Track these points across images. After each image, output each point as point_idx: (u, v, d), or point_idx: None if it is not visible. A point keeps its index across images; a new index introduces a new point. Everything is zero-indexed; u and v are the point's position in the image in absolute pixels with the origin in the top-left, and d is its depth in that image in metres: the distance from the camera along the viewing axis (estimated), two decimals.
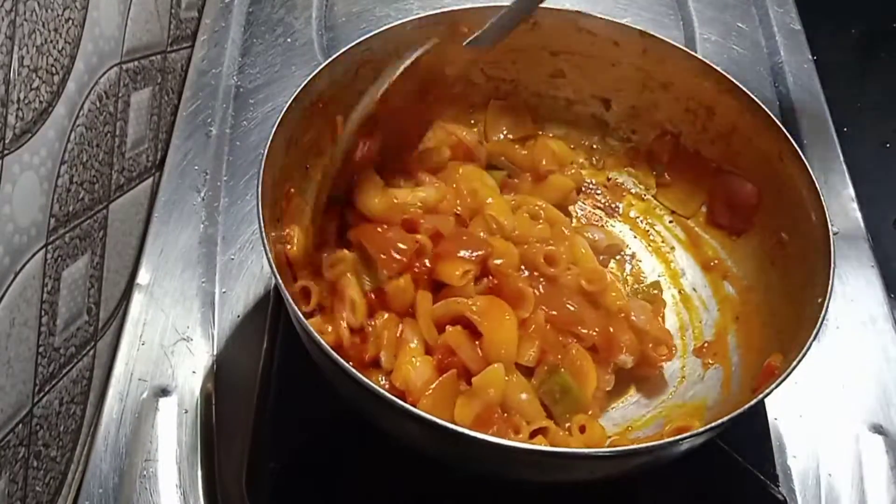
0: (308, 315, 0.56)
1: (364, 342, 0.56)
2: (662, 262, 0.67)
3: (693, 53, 0.65)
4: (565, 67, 0.69)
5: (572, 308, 0.58)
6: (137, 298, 0.65)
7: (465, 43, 0.60)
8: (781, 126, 0.60)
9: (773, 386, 0.48)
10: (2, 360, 0.52)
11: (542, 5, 0.64)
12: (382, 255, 0.56)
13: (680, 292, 0.65)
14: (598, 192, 0.71)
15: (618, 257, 0.67)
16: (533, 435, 0.54)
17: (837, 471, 0.60)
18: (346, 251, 0.58)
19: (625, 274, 0.67)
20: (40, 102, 0.54)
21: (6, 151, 0.50)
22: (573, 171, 0.70)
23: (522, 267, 0.59)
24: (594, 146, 0.72)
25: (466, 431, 0.45)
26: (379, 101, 0.57)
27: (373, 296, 0.56)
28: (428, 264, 0.56)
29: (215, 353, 0.63)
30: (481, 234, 0.60)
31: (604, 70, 0.68)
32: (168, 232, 0.68)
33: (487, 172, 0.66)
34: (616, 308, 0.60)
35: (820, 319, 0.50)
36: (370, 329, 0.56)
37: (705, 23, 0.88)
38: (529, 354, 0.56)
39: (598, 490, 0.55)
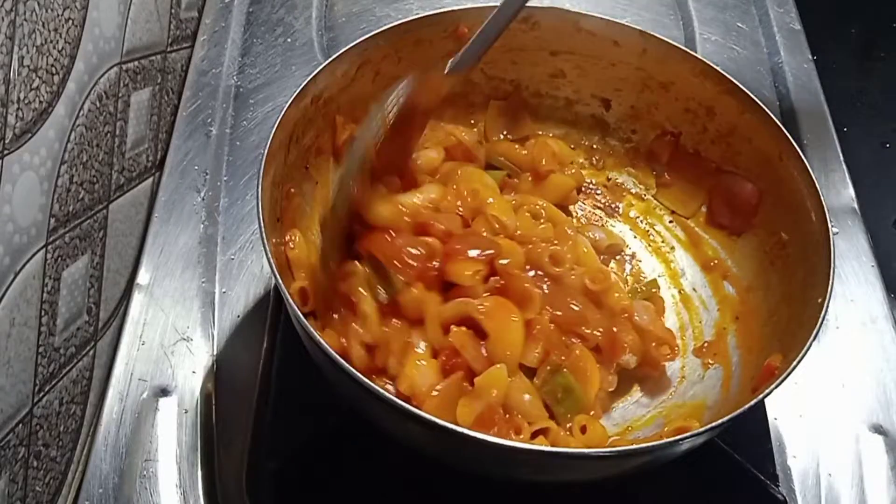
0: (308, 315, 0.56)
1: (372, 353, 0.55)
2: (662, 262, 0.67)
3: (693, 53, 0.65)
4: (565, 67, 0.69)
5: (576, 308, 0.58)
6: (137, 298, 0.65)
7: (446, 71, 0.59)
8: (781, 126, 0.60)
9: (773, 386, 0.48)
10: (2, 360, 0.52)
11: (543, 5, 0.65)
12: (396, 264, 0.55)
13: (680, 292, 0.65)
14: (598, 192, 0.71)
15: (618, 257, 0.67)
16: (534, 435, 0.54)
17: (837, 471, 0.60)
18: (356, 263, 0.57)
19: (625, 274, 0.67)
20: (40, 102, 0.54)
21: (6, 151, 0.50)
22: (573, 170, 0.70)
23: (527, 267, 0.59)
24: (594, 146, 0.72)
25: (467, 432, 0.45)
26: (376, 151, 0.58)
27: (386, 306, 0.56)
28: (436, 265, 0.56)
29: (215, 353, 0.63)
30: (484, 234, 0.60)
31: (604, 70, 0.68)
32: (168, 232, 0.68)
33: (487, 172, 0.66)
34: (619, 308, 0.60)
35: (820, 319, 0.50)
36: (381, 339, 0.56)
37: (705, 23, 0.88)
38: (534, 355, 0.56)
39: (599, 490, 0.55)
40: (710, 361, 0.60)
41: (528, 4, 0.64)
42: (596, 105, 0.71)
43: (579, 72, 0.69)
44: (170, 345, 0.63)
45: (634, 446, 0.52)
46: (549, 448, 0.50)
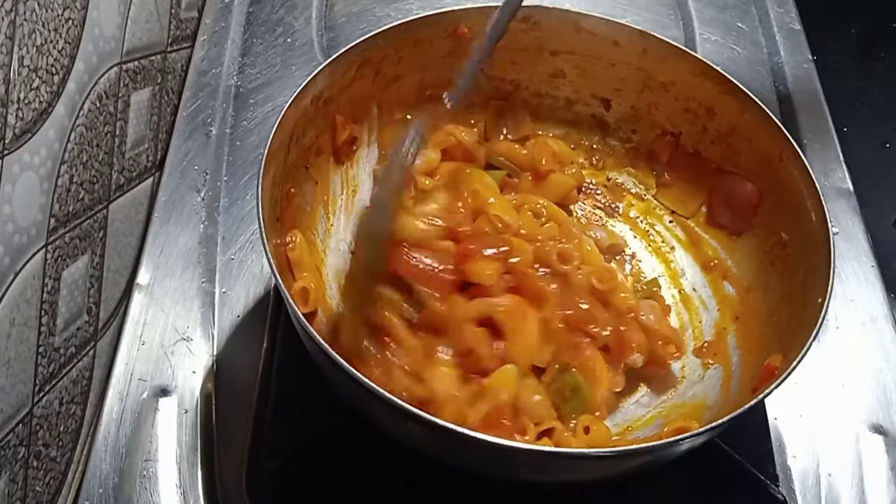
0: (308, 315, 0.56)
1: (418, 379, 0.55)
2: (662, 262, 0.67)
3: (693, 53, 0.65)
4: (565, 67, 0.69)
5: (585, 307, 0.58)
6: (137, 298, 0.65)
7: (449, 106, 0.59)
8: (781, 126, 0.60)
9: (773, 386, 0.48)
10: (2, 360, 0.52)
11: (543, 5, 0.65)
12: (423, 279, 0.55)
13: (680, 292, 0.65)
14: (598, 192, 0.71)
15: (618, 257, 0.67)
16: (539, 437, 0.54)
17: (837, 471, 0.60)
18: (378, 287, 0.57)
19: (625, 274, 0.67)
20: (40, 102, 0.54)
21: (6, 151, 0.50)
22: (573, 170, 0.70)
23: (536, 265, 0.59)
24: (594, 146, 0.72)
25: (466, 431, 0.45)
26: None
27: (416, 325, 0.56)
28: (455, 268, 0.56)
29: (215, 353, 0.63)
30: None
31: (604, 70, 0.68)
32: (168, 232, 0.68)
33: (487, 172, 0.67)
34: (626, 308, 0.60)
35: (820, 319, 0.50)
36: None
37: (705, 23, 0.88)
38: (545, 354, 0.56)
39: (599, 490, 0.55)
40: (710, 361, 0.60)
41: (528, 4, 0.64)
42: (596, 105, 0.71)
43: (579, 72, 0.69)
44: (170, 345, 0.63)
45: (634, 446, 0.52)
46: (549, 448, 0.50)
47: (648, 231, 0.69)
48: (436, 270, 0.56)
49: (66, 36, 0.57)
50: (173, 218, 0.69)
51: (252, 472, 0.57)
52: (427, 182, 0.63)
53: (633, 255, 0.68)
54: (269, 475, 0.56)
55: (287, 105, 0.56)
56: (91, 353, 0.65)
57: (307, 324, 0.48)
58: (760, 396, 0.48)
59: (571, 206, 0.69)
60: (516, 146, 0.69)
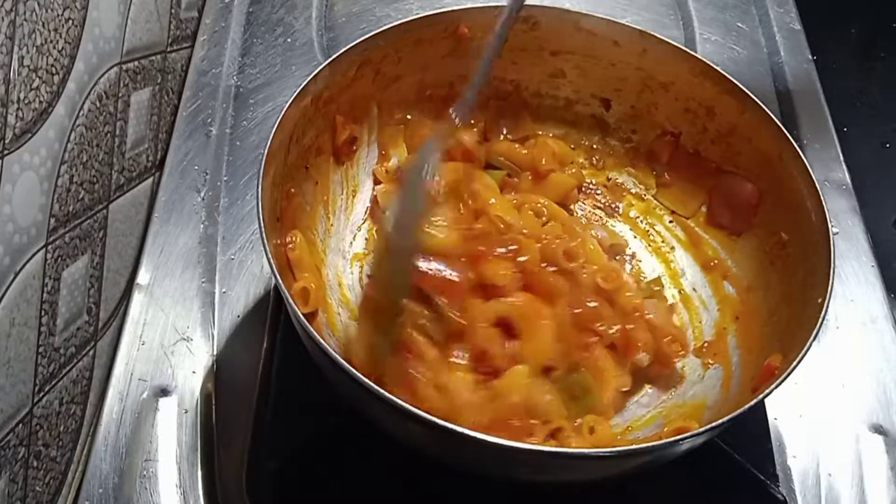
0: (308, 315, 0.56)
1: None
2: (662, 262, 0.67)
3: (693, 53, 0.65)
4: (565, 67, 0.69)
5: (593, 305, 0.58)
6: (137, 298, 0.65)
7: (459, 123, 0.59)
8: (781, 126, 0.60)
9: (773, 386, 0.48)
10: (2, 360, 0.52)
11: (542, 5, 0.65)
12: (443, 288, 0.55)
13: (680, 292, 0.65)
14: (598, 192, 0.71)
15: (618, 257, 0.67)
16: (546, 437, 0.53)
17: (837, 471, 0.60)
18: (403, 305, 0.56)
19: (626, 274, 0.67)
20: (40, 102, 0.54)
21: (6, 151, 0.50)
22: (573, 170, 0.70)
23: (543, 263, 0.58)
24: (594, 146, 0.72)
25: (466, 431, 0.45)
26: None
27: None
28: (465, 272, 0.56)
29: (215, 353, 0.63)
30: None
31: (604, 70, 0.68)
32: (168, 232, 0.68)
33: (487, 172, 0.67)
34: (631, 306, 0.59)
35: (820, 319, 0.50)
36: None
37: (705, 23, 0.88)
38: (558, 354, 0.56)
39: (599, 490, 0.55)
40: (710, 361, 0.60)
41: (528, 4, 0.64)
42: (596, 105, 0.71)
43: (579, 72, 0.69)
44: (170, 345, 0.63)
45: (634, 446, 0.52)
46: (549, 448, 0.50)
47: (648, 231, 0.69)
48: (454, 278, 0.55)
49: (66, 36, 0.57)
50: (173, 218, 0.69)
51: (252, 472, 0.57)
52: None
53: (633, 255, 0.68)
54: (269, 475, 0.56)
55: (287, 105, 0.56)
56: (91, 353, 0.65)
57: (307, 324, 0.48)
58: (760, 396, 0.48)
59: (572, 206, 0.69)
60: (516, 146, 0.69)
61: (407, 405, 0.46)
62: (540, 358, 0.55)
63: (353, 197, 0.67)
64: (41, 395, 0.57)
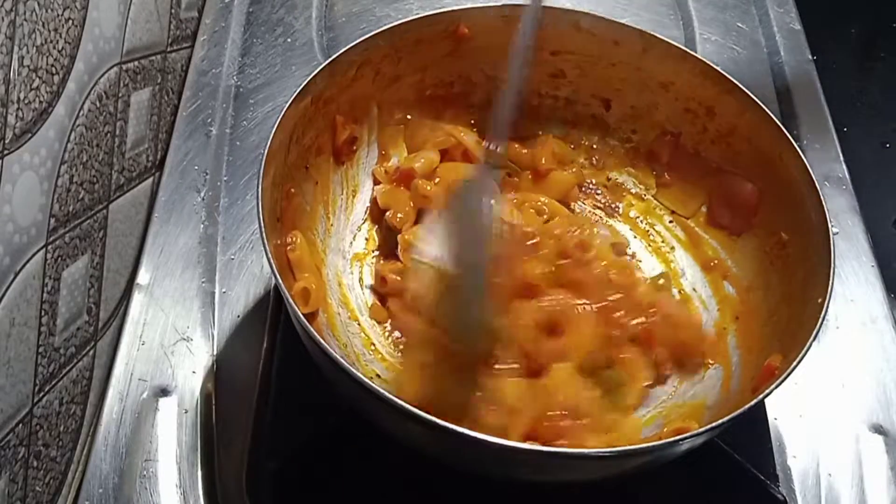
0: (308, 316, 0.56)
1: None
2: (662, 261, 0.67)
3: (693, 53, 0.65)
4: (565, 67, 0.69)
5: (615, 299, 0.57)
6: (137, 298, 0.65)
7: (496, 149, 0.56)
8: (781, 126, 0.60)
9: (773, 386, 0.48)
10: (2, 360, 0.52)
11: (543, 5, 0.64)
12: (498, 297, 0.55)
13: (680, 292, 0.65)
14: (598, 192, 0.71)
15: (620, 256, 0.67)
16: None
17: (837, 471, 0.60)
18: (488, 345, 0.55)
19: None
20: (40, 102, 0.54)
21: (6, 151, 0.50)
22: (574, 170, 0.70)
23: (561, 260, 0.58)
24: (594, 146, 0.72)
25: (467, 432, 0.45)
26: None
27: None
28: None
29: (215, 353, 0.63)
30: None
31: (604, 70, 0.68)
32: (168, 232, 0.68)
33: None
34: (647, 301, 0.59)
35: (820, 319, 0.50)
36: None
37: (705, 23, 0.88)
38: (595, 349, 0.56)
39: (599, 490, 0.55)
40: (710, 361, 0.60)
41: (527, 3, 0.64)
42: (596, 105, 0.71)
43: (579, 72, 0.69)
44: (170, 345, 0.63)
45: (634, 446, 0.52)
46: (549, 448, 0.50)
47: (648, 231, 0.69)
48: (504, 285, 0.55)
49: (66, 36, 0.57)
50: (173, 218, 0.69)
51: (252, 472, 0.57)
52: (428, 188, 0.63)
53: (633, 255, 0.68)
54: (269, 475, 0.56)
55: (287, 105, 0.56)
56: (91, 353, 0.65)
57: (307, 324, 0.48)
58: (760, 396, 0.48)
59: (572, 205, 0.69)
60: (516, 145, 0.69)
61: (407, 405, 0.45)
62: (582, 354, 0.55)
63: (353, 197, 0.67)
64: (41, 395, 0.57)
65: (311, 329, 0.48)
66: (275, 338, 0.63)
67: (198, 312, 0.64)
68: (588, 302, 0.57)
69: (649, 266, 0.67)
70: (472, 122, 0.70)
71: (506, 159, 0.59)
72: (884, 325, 0.67)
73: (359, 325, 0.61)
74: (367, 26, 0.84)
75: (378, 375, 0.59)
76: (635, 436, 0.55)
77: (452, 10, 0.65)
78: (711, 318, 0.63)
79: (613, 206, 0.70)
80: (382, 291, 0.62)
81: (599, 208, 0.70)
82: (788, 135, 0.59)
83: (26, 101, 0.52)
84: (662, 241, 0.68)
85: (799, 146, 0.59)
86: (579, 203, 0.70)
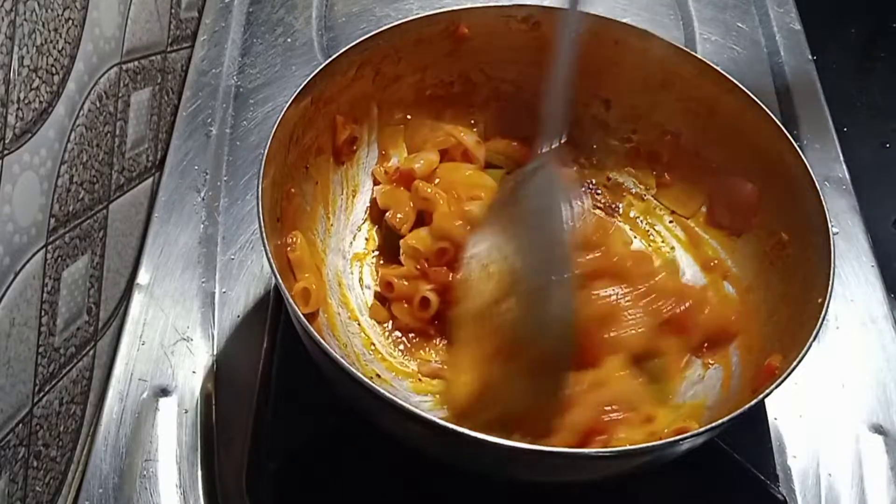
0: (309, 316, 0.56)
1: None
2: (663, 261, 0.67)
3: (693, 53, 0.65)
4: None
5: (646, 286, 0.57)
6: (137, 298, 0.65)
7: (549, 147, 0.54)
8: (781, 126, 0.60)
9: (773, 386, 0.48)
10: (2, 360, 0.52)
11: (542, 5, 0.65)
12: None
13: None
14: (598, 192, 0.71)
15: None
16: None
17: (837, 471, 0.60)
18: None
19: None
20: (40, 102, 0.54)
21: (6, 151, 0.50)
22: (574, 169, 0.70)
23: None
24: (594, 146, 0.72)
25: (467, 431, 0.45)
26: None
27: None
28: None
29: (215, 353, 0.63)
30: None
31: (604, 70, 0.68)
32: (168, 232, 0.68)
33: (486, 171, 0.66)
34: (673, 287, 0.59)
35: (820, 319, 0.50)
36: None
37: (705, 23, 0.88)
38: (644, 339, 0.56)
39: (599, 490, 0.55)
40: (710, 361, 0.60)
41: (527, 4, 0.64)
42: (596, 105, 0.71)
43: (579, 72, 0.69)
44: (170, 345, 0.63)
45: (634, 446, 0.52)
46: (549, 448, 0.50)
47: (648, 231, 0.69)
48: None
49: (66, 36, 0.57)
50: (173, 218, 0.69)
51: (252, 472, 0.57)
52: (429, 190, 0.63)
53: None
54: (269, 475, 0.56)
55: (287, 105, 0.56)
56: (91, 353, 0.65)
57: (307, 324, 0.48)
58: (760, 396, 0.48)
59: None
60: (514, 144, 0.69)
61: (407, 405, 0.46)
62: (633, 345, 0.55)
63: (353, 197, 0.67)
64: (41, 395, 0.57)
65: (312, 329, 0.48)
66: (275, 338, 0.63)
67: (198, 312, 0.64)
68: (631, 291, 0.56)
69: None
70: (472, 122, 0.70)
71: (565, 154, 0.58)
72: (884, 325, 0.67)
73: (359, 325, 0.61)
74: (367, 26, 0.84)
75: (378, 375, 0.59)
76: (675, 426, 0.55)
77: (452, 10, 0.65)
78: None
79: (613, 206, 0.70)
80: (390, 297, 0.62)
81: (599, 208, 0.70)
82: (788, 135, 0.59)
83: (26, 101, 0.52)
84: (662, 241, 0.68)
85: (799, 146, 0.59)
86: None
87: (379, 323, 0.62)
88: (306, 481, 0.57)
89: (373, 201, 0.67)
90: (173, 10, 0.79)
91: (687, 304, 0.58)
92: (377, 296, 0.63)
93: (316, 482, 0.56)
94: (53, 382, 0.59)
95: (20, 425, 0.54)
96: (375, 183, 0.67)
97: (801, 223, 0.58)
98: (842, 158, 0.78)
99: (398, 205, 0.64)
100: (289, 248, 0.58)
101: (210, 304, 0.65)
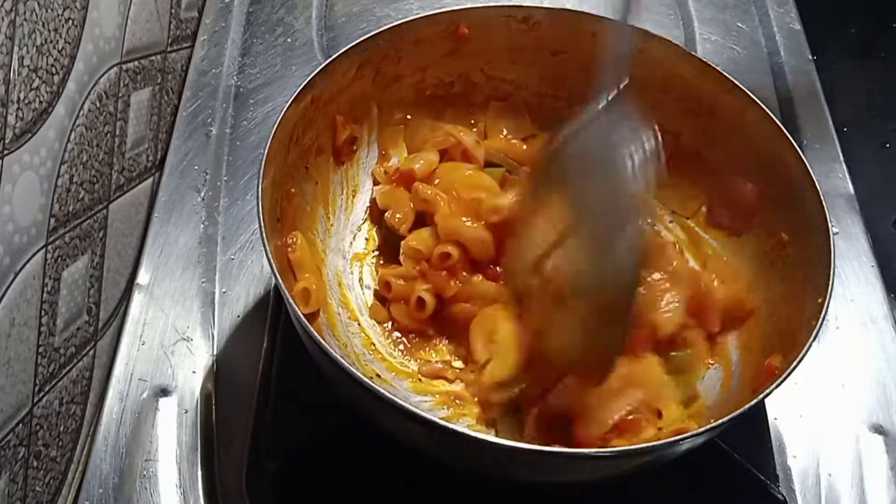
0: (309, 316, 0.56)
1: None
2: None
3: (693, 53, 0.65)
4: (565, 67, 0.69)
5: (667, 274, 0.57)
6: (137, 298, 0.65)
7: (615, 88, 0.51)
8: (781, 126, 0.60)
9: (773, 386, 0.48)
10: (2, 360, 0.52)
11: (542, 5, 0.64)
12: None
13: None
14: None
15: None
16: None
17: (837, 471, 0.60)
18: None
19: None
20: (40, 102, 0.54)
21: (6, 151, 0.50)
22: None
23: None
24: None
25: (466, 431, 0.45)
26: None
27: None
28: None
29: (215, 353, 0.63)
30: None
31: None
32: (168, 232, 0.68)
33: (486, 170, 0.66)
34: (686, 272, 0.59)
35: (820, 319, 0.50)
36: None
37: (705, 23, 0.88)
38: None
39: (599, 490, 0.55)
40: (711, 361, 0.60)
41: (527, 4, 0.64)
42: (596, 105, 0.70)
43: (579, 72, 0.69)
44: (170, 345, 0.63)
45: (634, 446, 0.52)
46: (548, 448, 0.50)
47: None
48: None
49: (66, 36, 0.57)
50: (173, 218, 0.69)
51: (252, 472, 0.57)
52: (429, 191, 0.63)
53: None
54: (269, 475, 0.56)
55: (287, 105, 0.56)
56: (91, 353, 0.65)
57: (308, 324, 0.48)
58: (760, 396, 0.48)
59: None
60: (514, 142, 0.69)
61: (407, 405, 0.46)
62: (668, 329, 0.55)
63: (353, 197, 0.67)
64: (41, 395, 0.57)
65: (312, 329, 0.48)
66: (275, 338, 0.63)
67: (198, 312, 0.64)
68: (659, 276, 0.56)
69: None
70: (472, 122, 0.70)
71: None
72: (884, 325, 0.67)
73: (359, 325, 0.61)
74: (367, 26, 0.84)
75: (378, 375, 0.59)
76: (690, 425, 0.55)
77: (452, 10, 0.65)
78: None
79: None
80: (388, 296, 0.62)
81: None
82: (788, 135, 0.59)
83: (26, 101, 0.52)
84: None
85: (799, 146, 0.59)
86: None
87: (379, 323, 0.62)
88: (306, 481, 0.57)
89: (373, 201, 0.67)
90: (173, 10, 0.79)
91: (701, 290, 0.58)
92: (377, 296, 0.63)
93: (316, 482, 0.56)
94: (53, 382, 0.59)
95: (20, 425, 0.54)
96: (375, 183, 0.67)
97: (801, 223, 0.58)
98: (842, 158, 0.78)
99: (397, 205, 0.64)
100: (289, 249, 0.58)
101: (210, 304, 0.65)
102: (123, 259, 0.70)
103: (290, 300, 0.50)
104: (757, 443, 0.59)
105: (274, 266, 0.50)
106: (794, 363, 0.49)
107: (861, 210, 0.74)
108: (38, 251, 0.55)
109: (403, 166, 0.66)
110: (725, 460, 0.56)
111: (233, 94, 0.78)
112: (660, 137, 0.49)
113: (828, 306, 0.51)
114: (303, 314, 0.50)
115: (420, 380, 0.60)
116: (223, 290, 0.66)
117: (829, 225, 0.55)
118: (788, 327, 0.55)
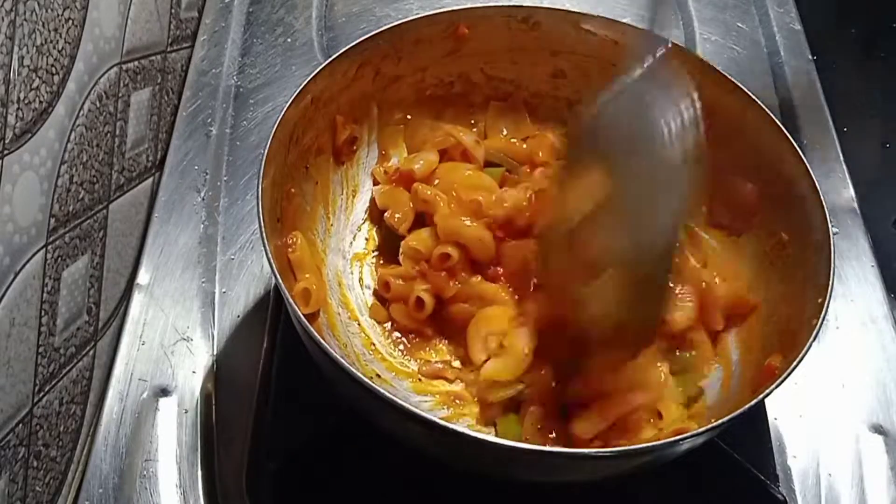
0: (309, 316, 0.56)
1: None
2: None
3: (693, 53, 0.65)
4: (565, 67, 0.69)
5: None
6: (137, 298, 0.65)
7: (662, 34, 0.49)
8: (781, 126, 0.60)
9: (773, 386, 0.48)
10: (2, 360, 0.52)
11: (542, 6, 0.64)
12: None
13: None
14: None
15: None
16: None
17: (837, 471, 0.60)
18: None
19: None
20: (40, 102, 0.54)
21: (6, 151, 0.50)
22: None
23: None
24: None
25: (466, 431, 0.45)
26: None
27: None
28: None
29: (215, 353, 0.63)
30: None
31: (604, 70, 0.68)
32: (168, 232, 0.68)
33: (486, 170, 0.66)
34: (687, 270, 0.59)
35: (820, 319, 0.50)
36: None
37: (705, 23, 0.88)
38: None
39: (599, 490, 0.55)
40: (712, 362, 0.60)
41: (527, 4, 0.64)
42: (595, 105, 0.70)
43: (579, 72, 0.69)
44: (170, 345, 0.63)
45: (634, 446, 0.52)
46: (548, 448, 0.50)
47: None
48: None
49: (66, 36, 0.57)
50: (173, 218, 0.69)
51: (252, 472, 0.57)
52: (428, 192, 0.63)
53: None
54: (269, 475, 0.56)
55: (287, 105, 0.56)
56: (91, 353, 0.65)
57: (308, 324, 0.48)
58: (760, 396, 0.48)
59: None
60: (514, 140, 0.69)
61: (407, 405, 0.46)
62: (680, 325, 0.55)
63: (353, 197, 0.67)
64: (41, 395, 0.57)
65: (312, 329, 0.48)
66: (275, 338, 0.63)
67: (198, 312, 0.64)
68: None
69: None
70: (472, 121, 0.70)
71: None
72: (884, 325, 0.67)
73: (359, 325, 0.61)
74: (367, 26, 0.84)
75: (378, 375, 0.59)
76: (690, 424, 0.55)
77: (452, 10, 0.65)
78: None
79: None
80: (387, 296, 0.62)
81: None
82: (788, 135, 0.59)
83: (26, 101, 0.52)
84: None
85: (799, 146, 0.59)
86: None
87: (379, 323, 0.62)
88: (306, 481, 0.57)
89: (372, 201, 0.67)
90: (173, 10, 0.79)
91: (704, 282, 0.59)
92: (377, 296, 0.63)
93: (316, 482, 0.56)
94: (53, 382, 0.59)
95: (20, 425, 0.54)
96: (375, 183, 0.67)
97: (801, 223, 0.58)
98: (842, 158, 0.78)
99: (397, 205, 0.64)
100: (289, 249, 0.58)
101: (210, 304, 0.65)
102: (123, 259, 0.70)
103: (290, 300, 0.50)
104: (757, 443, 0.59)
105: (274, 266, 0.50)
106: (795, 363, 0.49)
107: (861, 210, 0.74)
108: (38, 251, 0.55)
109: (403, 166, 0.66)
110: (725, 460, 0.56)
111: (233, 94, 0.78)
112: (699, 105, 0.47)
113: (828, 306, 0.51)
114: (303, 314, 0.50)
115: (420, 380, 0.60)
116: (223, 290, 0.66)
117: (829, 225, 0.55)
118: (788, 327, 0.55)
